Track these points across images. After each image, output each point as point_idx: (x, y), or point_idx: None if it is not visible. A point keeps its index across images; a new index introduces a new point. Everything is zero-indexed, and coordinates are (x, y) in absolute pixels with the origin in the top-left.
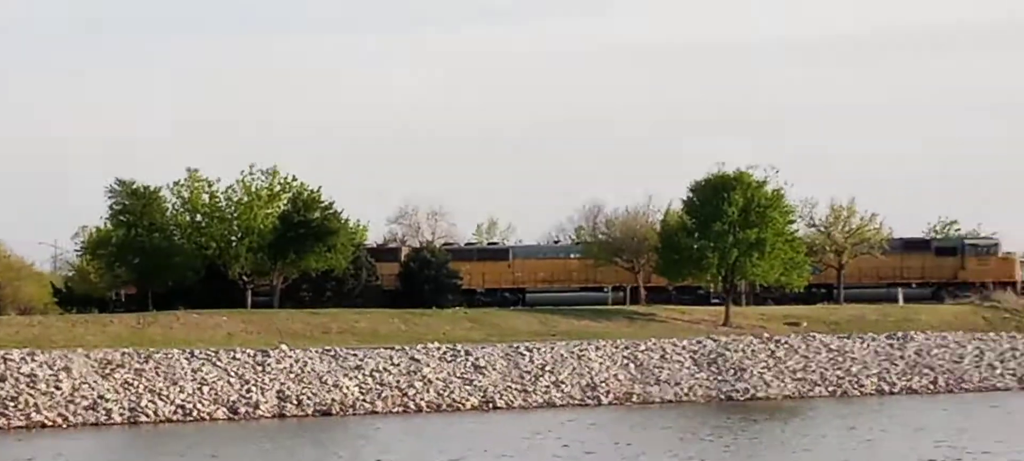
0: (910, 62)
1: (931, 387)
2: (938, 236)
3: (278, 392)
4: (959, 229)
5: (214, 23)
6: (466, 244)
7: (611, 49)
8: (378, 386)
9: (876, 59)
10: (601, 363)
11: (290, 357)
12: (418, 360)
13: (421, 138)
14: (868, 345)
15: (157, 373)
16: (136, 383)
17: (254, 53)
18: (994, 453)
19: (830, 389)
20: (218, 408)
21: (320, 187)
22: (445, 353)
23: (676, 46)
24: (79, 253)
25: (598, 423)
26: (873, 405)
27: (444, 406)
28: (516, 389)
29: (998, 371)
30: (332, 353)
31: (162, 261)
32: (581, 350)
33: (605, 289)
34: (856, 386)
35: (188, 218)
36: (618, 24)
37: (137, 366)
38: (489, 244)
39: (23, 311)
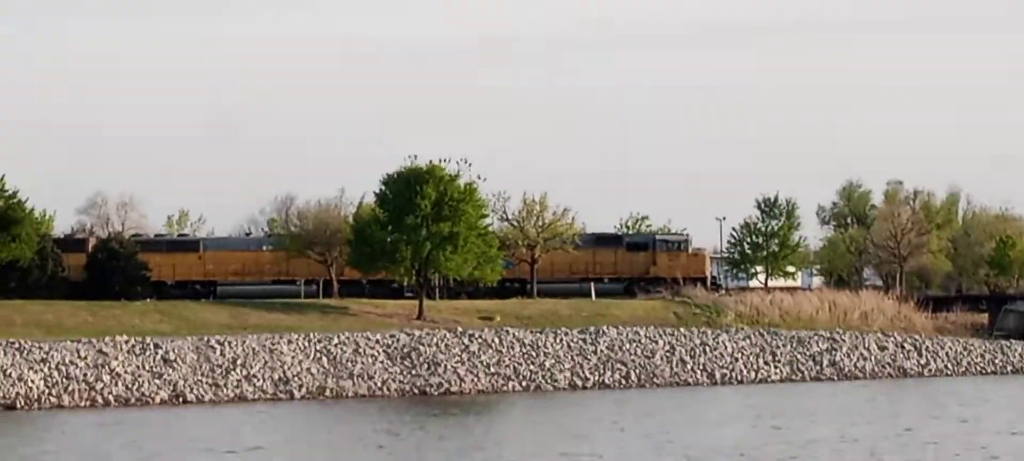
0: (598, 60)
1: (623, 381)
2: (630, 232)
3: None
4: (650, 225)
5: None
6: (156, 235)
7: (306, 39)
8: (64, 380)
9: (560, 57)
10: (293, 357)
11: None
12: (106, 353)
13: (111, 126)
14: (561, 340)
15: None
16: None
17: None
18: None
19: (524, 383)
20: None
21: (3, 176)
22: (134, 346)
23: (375, 38)
24: None
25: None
26: (567, 399)
27: (132, 400)
28: (207, 383)
29: (689, 366)
30: (16, 346)
31: None
32: (273, 343)
33: (298, 282)
34: (549, 381)
35: None
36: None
37: None
38: (179, 236)
39: None
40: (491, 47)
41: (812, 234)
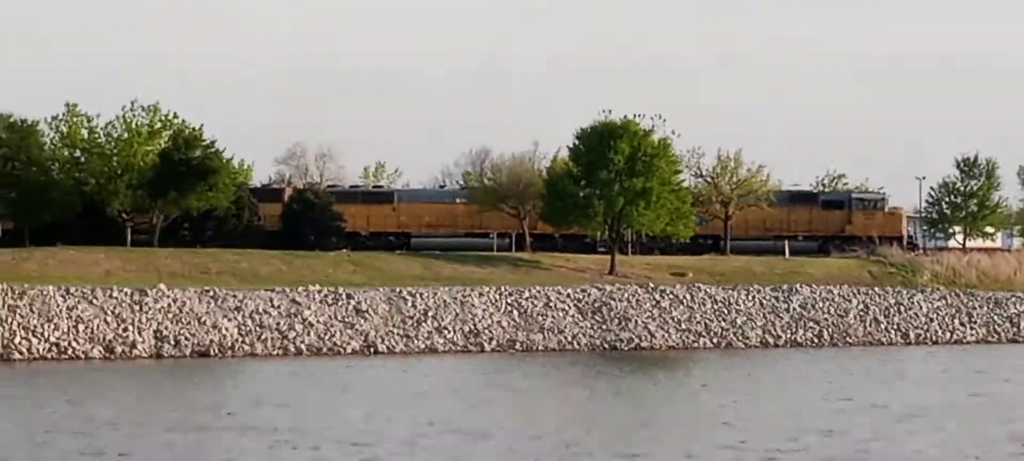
0: (808, 14)
1: (816, 340)
2: (826, 189)
3: (155, 332)
4: (847, 183)
5: None
6: (351, 187)
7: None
8: (258, 328)
9: (761, 12)
10: (484, 309)
11: (168, 296)
12: (299, 303)
13: (310, 78)
14: (754, 297)
15: (31, 310)
16: (9, 320)
17: None
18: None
19: (714, 340)
20: (94, 347)
21: (202, 125)
22: (326, 296)
23: None
24: None
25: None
26: (758, 357)
27: (324, 350)
28: (398, 334)
29: (883, 326)
30: (211, 294)
31: (39, 196)
32: (464, 296)
33: (490, 235)
34: (741, 338)
35: (66, 153)
36: None
37: (11, 302)
38: (374, 187)
39: None
40: (689, 7)
41: (1014, 195)
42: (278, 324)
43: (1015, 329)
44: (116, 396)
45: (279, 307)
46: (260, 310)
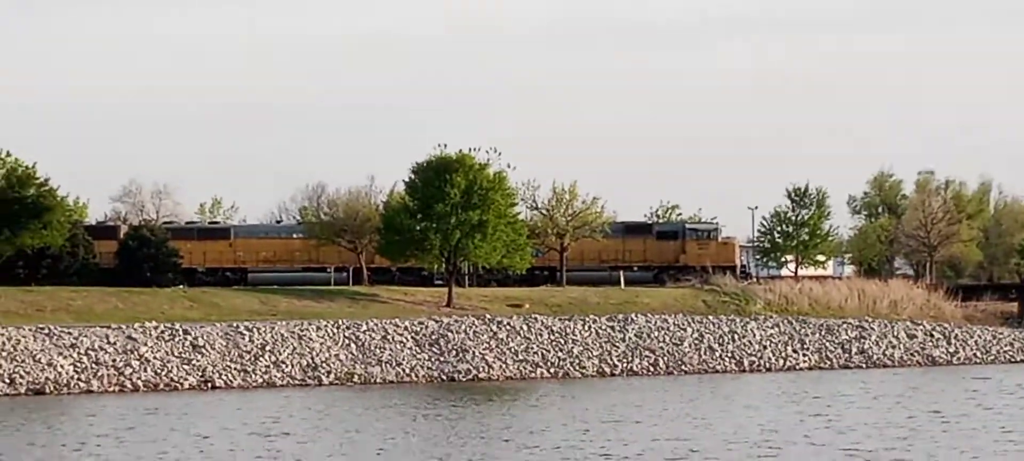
0: (628, 48)
1: (652, 369)
2: (660, 220)
3: None
4: (680, 214)
5: None
6: (187, 223)
7: (335, 30)
8: (94, 365)
9: (592, 45)
10: (322, 343)
11: (2, 335)
12: (135, 339)
13: (146, 116)
14: (590, 327)
15: None
16: None
17: None
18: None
19: (552, 370)
20: None
21: (35, 163)
22: (163, 332)
23: (403, 26)
24: None
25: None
26: (596, 386)
27: (161, 385)
28: (236, 368)
29: (717, 354)
30: (46, 331)
31: None
32: (302, 330)
33: (328, 269)
34: (578, 368)
35: None
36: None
37: None
38: (211, 223)
39: None
40: (520, 34)
41: (843, 223)
42: (114, 360)
43: (846, 355)
44: None
45: (115, 344)
46: (96, 347)
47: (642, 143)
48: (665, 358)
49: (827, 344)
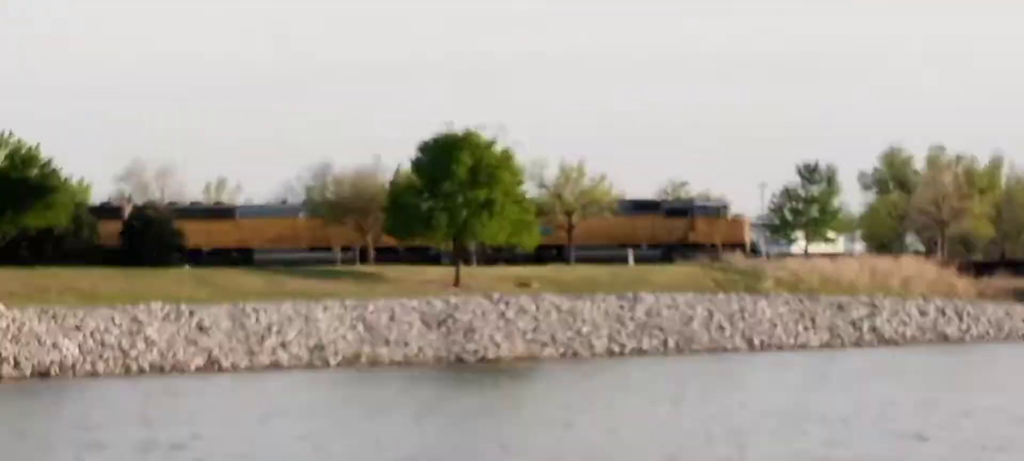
0: (638, 22)
1: (661, 348)
2: (668, 198)
3: None
4: (690, 191)
5: None
6: (192, 203)
7: (336, 5)
8: (99, 347)
9: (600, 19)
10: (329, 323)
11: (6, 317)
12: (140, 320)
13: (149, 95)
14: (599, 306)
15: None
16: None
17: None
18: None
19: (561, 350)
20: None
21: (38, 144)
22: (169, 313)
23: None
24: None
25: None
26: (606, 365)
27: (167, 367)
28: (242, 350)
29: (727, 332)
30: (51, 313)
31: None
32: (309, 310)
33: (334, 249)
34: (586, 347)
35: None
36: None
37: None
38: (215, 203)
39: None
40: (528, 10)
41: (854, 200)
42: (120, 342)
43: (858, 333)
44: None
45: (120, 325)
46: (101, 329)
47: (650, 120)
48: (675, 337)
49: (838, 322)
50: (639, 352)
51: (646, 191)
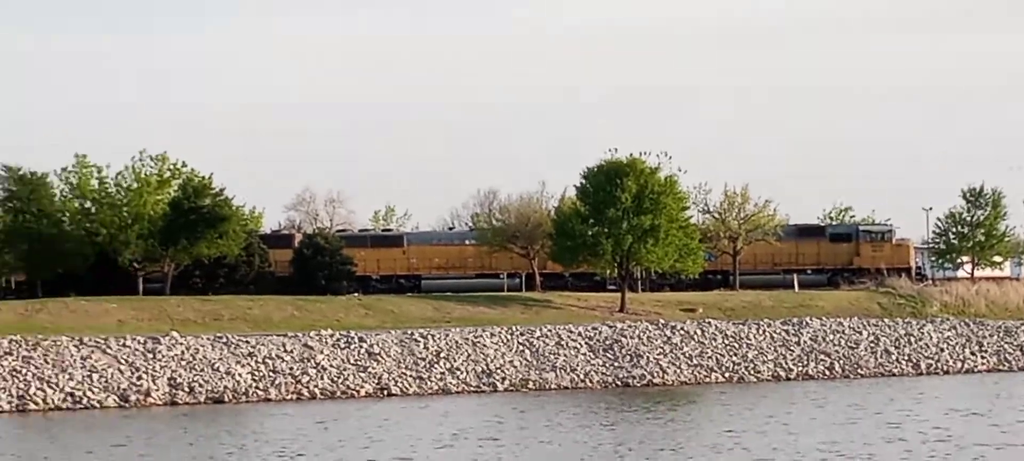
0: (805, 49)
1: (827, 372)
2: (833, 222)
3: (169, 379)
4: (854, 216)
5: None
6: (361, 231)
7: (499, 38)
8: (271, 373)
9: (771, 46)
10: (496, 349)
11: (181, 344)
12: (311, 347)
13: (318, 126)
14: (764, 331)
15: (46, 361)
16: (24, 371)
17: (142, 41)
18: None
19: (726, 375)
20: (108, 396)
21: (211, 174)
22: (339, 340)
23: (569, 28)
24: None
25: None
26: (772, 390)
27: (338, 393)
28: (411, 376)
29: (894, 356)
30: (224, 340)
31: (51, 248)
32: (476, 336)
33: (500, 275)
34: (752, 372)
35: (77, 205)
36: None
37: (25, 354)
38: (384, 231)
39: None
40: (689, 34)
41: (1021, 223)
42: (291, 369)
43: None
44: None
45: (292, 352)
46: (273, 355)
47: (814, 144)
48: (841, 362)
49: (1006, 346)
50: (805, 376)
51: (810, 216)
